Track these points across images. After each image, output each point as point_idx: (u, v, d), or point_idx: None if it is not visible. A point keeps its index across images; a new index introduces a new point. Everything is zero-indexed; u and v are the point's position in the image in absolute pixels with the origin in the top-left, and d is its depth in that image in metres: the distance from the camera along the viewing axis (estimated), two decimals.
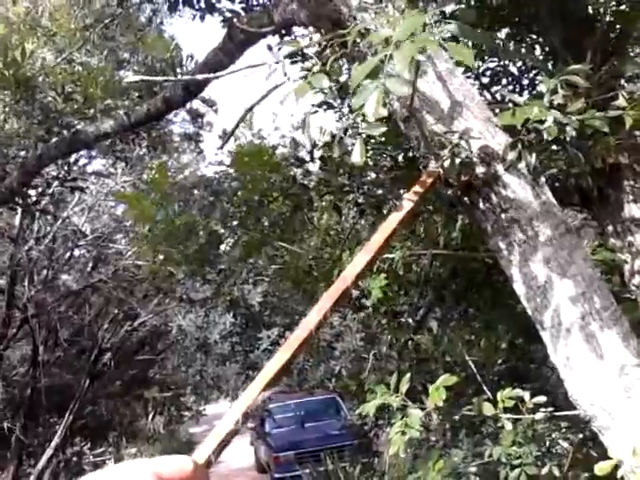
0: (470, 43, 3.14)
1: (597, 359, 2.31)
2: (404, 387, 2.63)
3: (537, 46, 3.74)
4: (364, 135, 2.00)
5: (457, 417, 4.54)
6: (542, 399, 2.67)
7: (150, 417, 21.71)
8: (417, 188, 2.08)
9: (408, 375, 2.73)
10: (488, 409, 2.64)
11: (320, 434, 12.23)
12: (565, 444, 4.57)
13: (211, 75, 2.61)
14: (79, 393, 13.75)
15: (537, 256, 2.35)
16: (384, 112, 1.56)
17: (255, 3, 3.35)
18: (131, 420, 19.98)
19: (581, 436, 4.46)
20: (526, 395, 2.69)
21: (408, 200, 2.00)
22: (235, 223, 5.96)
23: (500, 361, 6.04)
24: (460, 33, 1.61)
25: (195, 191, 7.45)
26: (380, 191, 4.78)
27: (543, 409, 2.75)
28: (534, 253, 2.35)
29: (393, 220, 1.93)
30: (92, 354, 14.16)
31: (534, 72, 4.32)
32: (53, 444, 13.22)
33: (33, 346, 12.71)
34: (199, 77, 2.80)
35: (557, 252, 2.35)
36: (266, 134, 14.39)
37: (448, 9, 2.74)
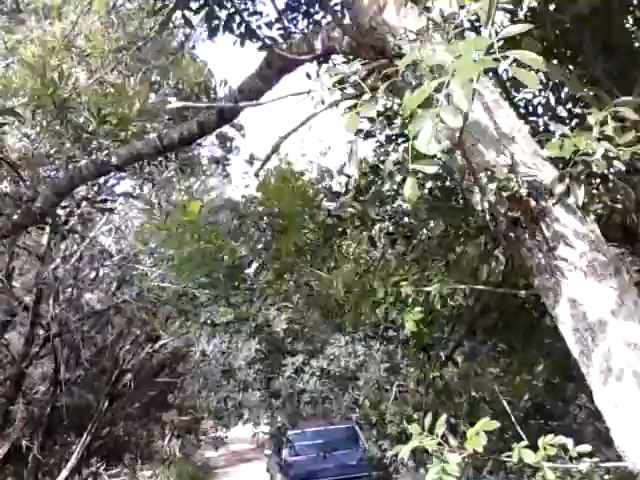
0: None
1: None
2: (440, 429, 2.51)
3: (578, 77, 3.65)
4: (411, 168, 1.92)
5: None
6: (587, 448, 2.53)
7: (167, 440, 21.54)
8: None
9: (444, 417, 2.59)
10: (529, 457, 2.51)
11: (337, 464, 12.07)
12: None
13: (253, 103, 2.56)
14: (98, 413, 13.67)
15: (585, 297, 2.24)
16: (437, 148, 1.48)
17: (294, 30, 3.32)
18: (147, 442, 19.83)
19: None
20: (569, 442, 2.55)
21: None
22: (260, 247, 5.89)
23: (526, 397, 5.85)
24: (528, 61, 1.54)
25: (221, 215, 7.42)
26: (412, 220, 4.68)
27: (587, 458, 2.61)
28: (582, 294, 2.24)
29: None
30: (112, 375, 14.11)
31: (571, 104, 4.22)
32: (70, 464, 13.12)
33: (55, 365, 12.68)
34: (241, 105, 2.74)
35: (607, 293, 2.23)
36: (293, 159, 14.38)
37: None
